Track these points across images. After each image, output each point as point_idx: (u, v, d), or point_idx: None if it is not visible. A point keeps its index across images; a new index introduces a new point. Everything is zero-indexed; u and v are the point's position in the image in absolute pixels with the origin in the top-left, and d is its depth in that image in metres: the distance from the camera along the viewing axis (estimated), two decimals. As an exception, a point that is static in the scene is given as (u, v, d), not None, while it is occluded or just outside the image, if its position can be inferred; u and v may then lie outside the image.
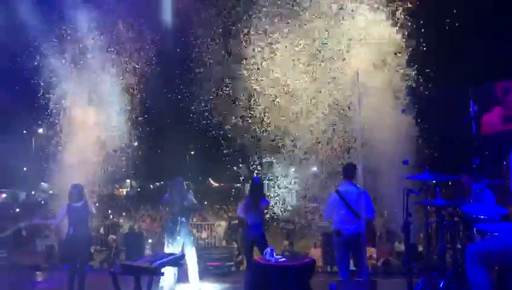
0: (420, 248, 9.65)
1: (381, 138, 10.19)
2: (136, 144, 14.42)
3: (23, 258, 11.38)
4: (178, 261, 5.33)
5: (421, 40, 11.44)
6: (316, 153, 11.58)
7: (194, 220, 13.50)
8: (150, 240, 14.04)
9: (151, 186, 23.44)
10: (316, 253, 12.18)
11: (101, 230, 14.40)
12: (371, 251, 10.45)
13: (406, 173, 6.45)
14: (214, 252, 9.98)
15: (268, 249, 6.23)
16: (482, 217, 4.59)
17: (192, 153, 20.79)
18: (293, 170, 12.41)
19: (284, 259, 6.04)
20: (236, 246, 11.76)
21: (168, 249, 7.65)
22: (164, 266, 4.93)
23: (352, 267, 6.94)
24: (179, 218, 7.71)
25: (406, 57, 11.24)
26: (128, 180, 18.43)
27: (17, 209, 17.21)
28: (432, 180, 4.84)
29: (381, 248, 13.28)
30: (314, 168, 12.43)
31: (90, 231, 7.70)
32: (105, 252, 12.53)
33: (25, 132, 20.97)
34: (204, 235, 14.27)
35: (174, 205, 7.76)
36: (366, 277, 6.75)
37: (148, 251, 13.34)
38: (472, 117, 4.89)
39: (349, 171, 6.95)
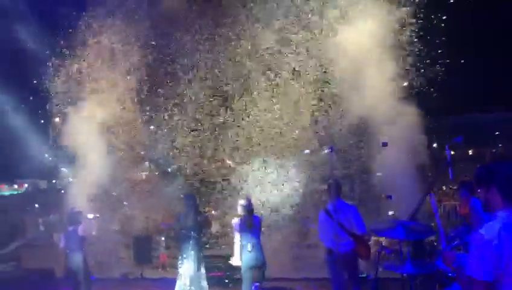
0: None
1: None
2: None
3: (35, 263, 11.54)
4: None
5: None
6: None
7: (206, 209, 13.44)
8: (162, 238, 14.10)
9: (169, 169, 23.10)
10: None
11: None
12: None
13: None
14: (216, 260, 9.91)
15: (254, 286, 6.23)
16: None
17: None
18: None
19: (269, 297, 6.03)
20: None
21: (182, 265, 7.94)
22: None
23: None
24: (192, 233, 7.91)
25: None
26: (146, 163, 18.15)
27: (36, 205, 17.61)
28: (404, 239, 4.53)
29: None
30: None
31: (85, 251, 8.01)
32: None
33: (42, 121, 21.22)
34: (215, 227, 13.86)
35: (187, 220, 7.94)
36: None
37: (162, 250, 13.47)
38: (449, 163, 4.51)
39: (335, 189, 6.78)
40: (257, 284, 6.28)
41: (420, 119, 10.12)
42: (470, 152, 26.66)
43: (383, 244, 8.43)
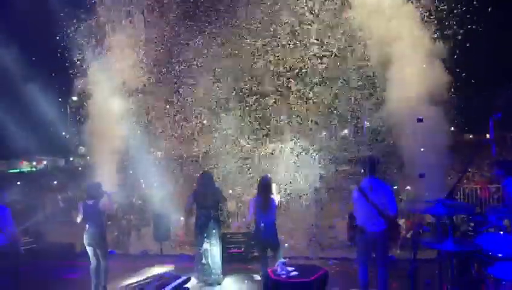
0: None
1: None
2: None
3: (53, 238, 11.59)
4: (182, 285, 5.25)
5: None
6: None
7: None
8: (181, 218, 14.04)
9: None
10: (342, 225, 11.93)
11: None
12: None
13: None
14: (235, 237, 9.83)
15: (279, 262, 6.12)
16: (499, 255, 4.02)
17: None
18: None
19: (295, 273, 5.91)
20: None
21: (202, 243, 7.96)
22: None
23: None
24: (211, 211, 8.00)
25: None
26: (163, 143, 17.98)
27: (55, 182, 17.71)
28: (444, 215, 4.31)
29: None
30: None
31: (105, 226, 7.90)
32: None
33: (60, 99, 21.20)
34: (232, 205, 13.77)
35: (206, 199, 7.93)
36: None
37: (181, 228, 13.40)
38: (492, 140, 4.32)
39: (370, 166, 6.58)
40: (284, 261, 6.17)
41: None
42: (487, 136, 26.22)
43: (418, 222, 8.23)
